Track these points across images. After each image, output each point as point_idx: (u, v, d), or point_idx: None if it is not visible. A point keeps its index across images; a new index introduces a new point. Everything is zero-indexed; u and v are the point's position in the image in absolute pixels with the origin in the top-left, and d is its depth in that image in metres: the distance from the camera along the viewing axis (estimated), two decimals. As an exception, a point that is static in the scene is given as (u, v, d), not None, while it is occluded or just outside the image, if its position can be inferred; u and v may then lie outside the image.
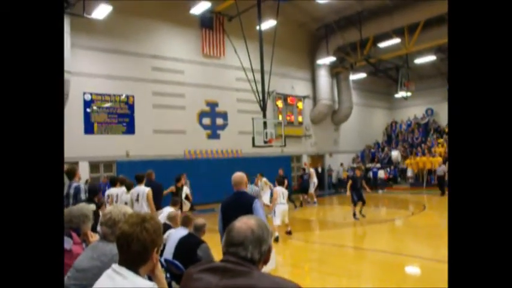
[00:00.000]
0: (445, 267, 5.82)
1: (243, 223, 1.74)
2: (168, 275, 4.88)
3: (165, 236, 5.71)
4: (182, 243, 5.01)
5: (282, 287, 1.60)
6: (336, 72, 25.32)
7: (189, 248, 4.77)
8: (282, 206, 10.58)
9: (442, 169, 19.89)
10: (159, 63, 17.80)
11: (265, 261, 1.75)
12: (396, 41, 21.46)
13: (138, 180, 8.16)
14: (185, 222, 5.37)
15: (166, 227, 6.06)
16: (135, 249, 1.78)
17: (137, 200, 7.89)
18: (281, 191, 10.80)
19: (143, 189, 7.94)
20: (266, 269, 4.98)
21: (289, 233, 10.83)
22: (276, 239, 10.46)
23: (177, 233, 5.39)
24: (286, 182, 13.00)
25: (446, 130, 26.97)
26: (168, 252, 5.17)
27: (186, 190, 11.92)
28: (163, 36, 18.12)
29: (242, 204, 4.66)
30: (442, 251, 9.10)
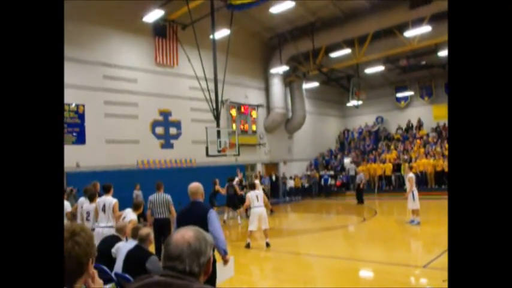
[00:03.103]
0: (397, 269, 6.00)
1: (180, 236, 1.72)
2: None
3: (114, 249, 5.56)
4: (130, 256, 4.90)
5: None
6: (289, 81, 25.64)
7: (138, 261, 4.66)
8: (257, 210, 10.50)
9: (360, 177, 20.41)
10: (110, 71, 17.39)
11: (206, 272, 1.73)
12: (347, 51, 22.04)
13: (105, 190, 7.99)
14: (134, 234, 5.24)
15: (116, 239, 5.90)
16: (69, 266, 1.66)
17: (103, 210, 7.73)
18: (254, 195, 10.67)
19: (110, 200, 7.79)
20: (224, 277, 4.96)
21: (267, 244, 10.48)
22: (247, 246, 10.46)
23: (125, 246, 5.26)
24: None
25: (396, 137, 27.91)
26: (118, 266, 5.04)
27: None
28: (115, 44, 17.74)
29: (197, 214, 4.64)
30: (394, 255, 9.36)
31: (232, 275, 5.13)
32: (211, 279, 4.30)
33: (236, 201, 15.80)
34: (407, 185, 13.10)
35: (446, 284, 1.59)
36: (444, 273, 1.54)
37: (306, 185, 25.61)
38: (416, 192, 12.70)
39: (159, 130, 18.95)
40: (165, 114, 19.24)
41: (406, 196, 13.05)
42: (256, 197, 10.63)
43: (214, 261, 4.68)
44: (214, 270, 4.63)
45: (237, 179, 16.81)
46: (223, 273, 4.85)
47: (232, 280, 5.27)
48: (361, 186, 20.11)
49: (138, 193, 15.76)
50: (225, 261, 4.86)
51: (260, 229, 10.65)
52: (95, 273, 1.86)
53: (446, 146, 23.36)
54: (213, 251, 4.61)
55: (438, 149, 23.32)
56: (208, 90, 16.83)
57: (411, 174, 13.14)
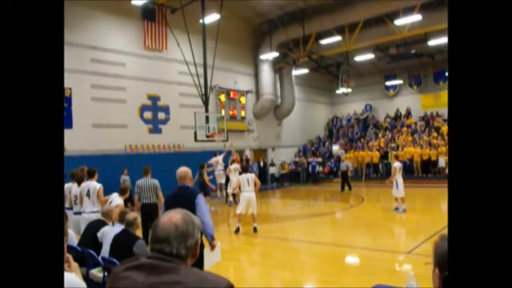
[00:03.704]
0: (382, 255, 6.08)
1: (168, 219, 1.72)
2: (106, 274, 4.75)
3: (99, 234, 5.57)
4: (117, 240, 4.91)
5: (210, 283, 1.58)
6: (279, 67, 25.56)
7: (125, 245, 4.67)
8: (246, 194, 10.47)
9: (346, 164, 20.52)
10: (98, 54, 17.15)
11: (193, 255, 1.73)
12: (337, 38, 21.98)
13: (90, 175, 7.95)
14: (121, 218, 5.25)
15: (101, 224, 5.90)
16: None
17: (88, 195, 7.70)
18: (246, 178, 10.60)
19: (94, 185, 7.74)
20: (211, 262, 4.99)
21: (254, 229, 10.59)
22: (236, 230, 10.50)
23: (112, 230, 5.27)
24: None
25: (384, 125, 28.08)
26: (105, 250, 5.04)
27: None
28: (103, 26, 17.48)
29: (185, 199, 4.64)
30: (380, 241, 9.49)
31: (219, 261, 5.16)
32: (199, 264, 4.33)
33: (206, 189, 15.87)
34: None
35: (428, 267, 1.61)
36: (427, 259, 1.58)
37: (283, 172, 25.65)
38: (400, 180, 12.82)
39: (148, 115, 18.83)
40: (154, 98, 19.10)
41: (388, 182, 13.27)
42: (247, 181, 10.55)
43: (202, 246, 4.70)
44: (201, 255, 4.66)
45: (216, 158, 16.88)
46: (210, 258, 4.88)
47: (219, 266, 5.30)
48: (349, 173, 20.24)
49: (125, 178, 15.72)
50: (212, 247, 4.88)
51: (248, 214, 10.69)
52: (70, 257, 1.87)
53: (434, 134, 23.59)
54: (201, 235, 4.65)
55: (425, 137, 23.53)
56: (198, 75, 16.73)
57: (396, 164, 13.25)
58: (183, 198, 4.66)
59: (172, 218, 1.72)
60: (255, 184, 10.66)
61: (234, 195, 16.23)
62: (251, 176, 10.77)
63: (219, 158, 16.68)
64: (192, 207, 4.49)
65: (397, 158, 14.13)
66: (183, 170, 5.01)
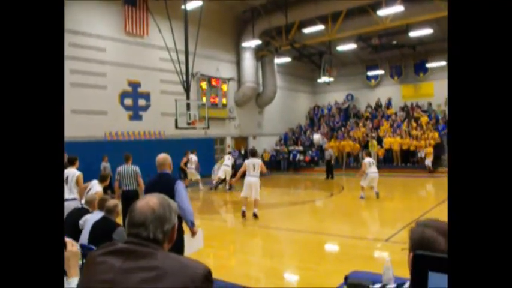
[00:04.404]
0: (361, 243, 6.17)
1: (145, 203, 1.71)
2: (84, 261, 4.72)
3: (81, 221, 5.52)
4: (96, 227, 4.87)
5: (188, 268, 1.57)
6: (261, 55, 25.46)
7: (104, 232, 4.64)
8: (249, 178, 10.60)
9: (329, 153, 20.90)
10: (77, 39, 16.80)
11: (170, 240, 1.73)
12: (320, 27, 21.93)
13: (70, 163, 7.87)
14: (101, 205, 5.21)
15: (84, 212, 5.85)
16: None
17: (66, 182, 7.61)
18: (252, 164, 10.66)
19: (73, 172, 7.66)
20: (193, 249, 4.99)
21: (254, 215, 10.71)
22: (243, 214, 10.72)
23: (92, 217, 5.23)
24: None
25: (365, 115, 28.30)
26: (84, 237, 5.01)
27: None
28: (82, 10, 17.09)
29: (165, 185, 4.63)
30: (359, 229, 9.62)
31: (201, 247, 5.17)
32: (179, 251, 4.33)
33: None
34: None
35: (404, 252, 1.63)
36: (404, 246, 1.62)
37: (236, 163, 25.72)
38: (370, 176, 13.33)
39: (128, 101, 18.60)
40: (134, 85, 18.86)
41: (358, 176, 13.91)
42: (252, 166, 10.62)
43: (182, 232, 4.71)
44: (182, 242, 4.66)
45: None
46: (191, 245, 4.88)
47: (199, 253, 5.31)
48: (332, 162, 20.52)
49: (105, 165, 15.56)
50: (193, 233, 4.89)
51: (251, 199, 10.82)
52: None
53: (413, 125, 23.90)
54: (181, 222, 4.65)
55: (405, 127, 23.81)
56: (179, 62, 16.56)
57: (365, 160, 13.76)
58: (162, 185, 4.66)
59: (149, 202, 1.71)
60: (261, 170, 10.75)
61: (220, 182, 16.61)
62: (257, 162, 10.82)
63: (194, 157, 16.75)
64: (171, 193, 4.49)
65: (368, 154, 14.76)
66: (162, 156, 5.01)
